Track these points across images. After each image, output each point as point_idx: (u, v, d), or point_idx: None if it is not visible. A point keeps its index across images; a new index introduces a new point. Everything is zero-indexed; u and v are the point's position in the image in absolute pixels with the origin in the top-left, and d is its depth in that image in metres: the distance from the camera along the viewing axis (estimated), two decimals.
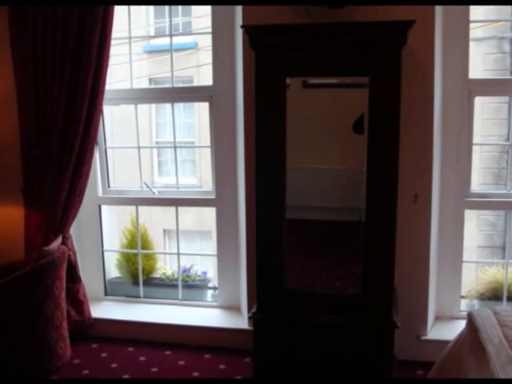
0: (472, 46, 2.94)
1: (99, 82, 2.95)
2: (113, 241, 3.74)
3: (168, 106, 3.74)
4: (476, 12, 3.58)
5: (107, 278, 3.62)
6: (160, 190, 3.53)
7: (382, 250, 2.41)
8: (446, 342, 2.51)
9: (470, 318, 2.27)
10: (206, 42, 4.19)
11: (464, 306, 3.18)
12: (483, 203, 3.07)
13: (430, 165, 2.77)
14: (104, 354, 3.09)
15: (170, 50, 3.36)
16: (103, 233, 3.54)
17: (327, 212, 2.68)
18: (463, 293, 3.18)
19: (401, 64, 2.27)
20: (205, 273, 3.75)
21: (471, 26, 2.85)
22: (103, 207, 3.53)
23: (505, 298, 3.09)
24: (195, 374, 2.86)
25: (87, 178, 3.12)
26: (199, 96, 3.39)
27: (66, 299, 3.04)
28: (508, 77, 5.14)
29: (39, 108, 3.04)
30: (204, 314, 3.35)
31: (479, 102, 3.38)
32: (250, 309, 2.69)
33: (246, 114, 2.84)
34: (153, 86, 6.18)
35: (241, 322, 3.19)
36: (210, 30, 3.14)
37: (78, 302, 3.21)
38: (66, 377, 2.83)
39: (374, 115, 2.33)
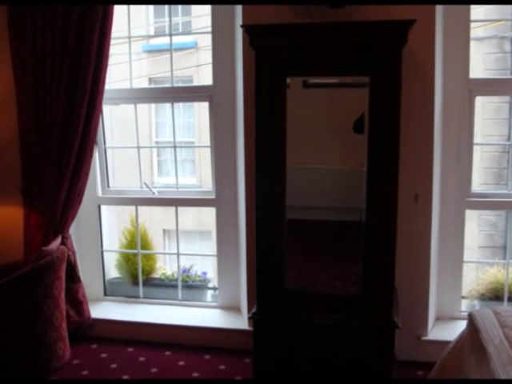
0: (473, 45, 2.94)
1: (99, 81, 2.95)
2: (112, 241, 3.73)
3: (168, 105, 3.74)
4: (477, 11, 3.58)
5: (107, 278, 3.62)
6: (160, 190, 3.52)
7: (383, 250, 2.41)
8: (446, 343, 2.50)
9: (471, 319, 2.27)
10: (206, 41, 4.19)
11: (465, 306, 3.17)
12: (484, 203, 3.07)
13: (430, 165, 2.76)
14: (103, 355, 3.08)
15: (170, 49, 3.35)
16: (103, 233, 3.54)
17: (327, 212, 2.68)
18: (464, 293, 3.18)
19: (401, 64, 2.26)
20: (205, 273, 3.74)
21: (472, 25, 2.85)
22: (103, 207, 3.52)
23: (505, 299, 3.09)
24: (195, 375, 2.85)
25: (87, 178, 3.11)
26: (199, 96, 3.38)
27: (66, 299, 3.04)
28: (509, 76, 5.12)
29: (38, 107, 3.03)
30: (204, 315, 3.34)
31: (480, 101, 3.37)
32: (250, 309, 2.69)
33: (246, 114, 2.84)
34: (152, 86, 6.18)
35: (241, 322, 3.18)
36: (209, 29, 3.14)
37: (77, 302, 3.20)
38: (66, 377, 2.83)
39: (375, 115, 2.32)
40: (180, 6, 6.50)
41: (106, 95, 3.05)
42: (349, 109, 2.56)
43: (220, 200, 3.28)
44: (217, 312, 3.38)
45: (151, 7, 6.71)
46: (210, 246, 5.66)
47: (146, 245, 3.81)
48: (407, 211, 2.74)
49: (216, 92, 3.16)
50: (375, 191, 2.37)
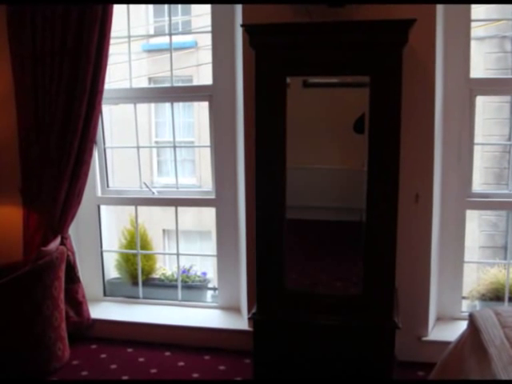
0: (473, 45, 2.94)
1: (98, 81, 2.94)
2: (112, 241, 3.72)
3: (167, 105, 3.74)
4: (477, 11, 3.58)
5: (106, 278, 3.61)
6: (159, 190, 3.52)
7: (383, 251, 2.40)
8: (447, 343, 2.50)
9: (472, 319, 2.26)
10: (206, 41, 4.19)
11: (465, 306, 3.16)
12: (485, 203, 3.06)
13: (431, 165, 2.76)
14: (103, 355, 3.08)
15: (170, 49, 3.35)
16: (102, 233, 3.53)
17: (327, 212, 2.67)
18: (464, 293, 3.17)
19: (402, 63, 2.26)
20: (204, 273, 3.73)
21: (472, 24, 2.84)
22: (102, 207, 3.52)
23: (506, 299, 3.08)
24: (195, 375, 2.85)
25: (86, 178, 3.11)
26: (199, 95, 3.37)
27: (65, 300, 3.03)
28: (509, 76, 5.12)
29: (38, 107, 3.03)
30: (204, 315, 3.33)
31: (480, 101, 3.36)
32: (250, 309, 2.68)
33: (246, 114, 2.83)
34: (152, 86, 6.17)
35: (241, 322, 3.17)
36: (209, 28, 3.13)
37: (76, 302, 3.19)
38: (65, 378, 2.82)
39: (375, 115, 2.32)
40: (180, 6, 6.50)
41: (105, 95, 3.05)
42: (349, 108, 2.55)
43: (220, 200, 3.27)
44: (217, 312, 3.37)
45: (151, 6, 6.71)
46: (210, 246, 5.66)
47: (145, 245, 3.80)
48: (408, 211, 2.74)
49: (216, 92, 3.15)
50: (375, 191, 2.37)
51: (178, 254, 3.56)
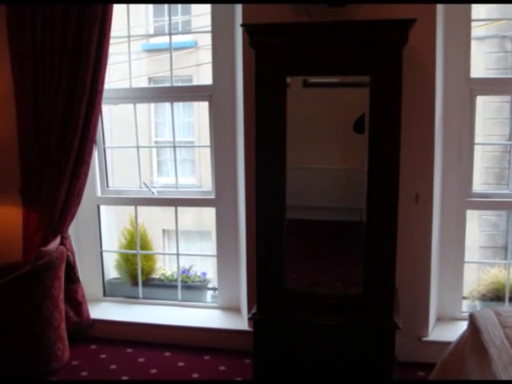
0: (474, 44, 2.94)
1: (98, 81, 2.93)
2: (112, 241, 3.72)
3: (167, 105, 3.73)
4: (478, 10, 3.58)
5: (106, 278, 3.61)
6: (159, 190, 3.51)
7: (383, 251, 2.40)
8: (447, 344, 2.49)
9: (472, 319, 2.26)
10: (206, 40, 4.18)
11: (466, 306, 3.16)
12: (485, 203, 3.05)
13: (431, 164, 2.75)
14: (103, 356, 3.07)
15: (170, 48, 3.34)
16: (102, 233, 3.53)
17: (327, 212, 2.67)
18: (465, 293, 3.17)
19: (402, 63, 2.25)
20: (204, 273, 3.73)
21: (473, 24, 2.84)
22: (102, 207, 3.51)
23: (507, 299, 3.08)
24: (195, 376, 2.84)
25: (86, 178, 3.10)
26: (199, 95, 3.37)
27: (65, 300, 3.02)
28: (510, 76, 5.11)
29: (37, 107, 3.02)
30: (204, 315, 3.33)
31: (481, 101, 3.36)
32: (250, 310, 2.67)
33: (246, 114, 2.83)
34: (152, 85, 6.17)
35: (241, 323, 3.17)
36: (209, 28, 3.13)
37: (76, 302, 3.19)
38: (65, 378, 2.82)
39: (375, 114, 2.31)
40: (180, 5, 6.49)
41: (105, 95, 3.04)
42: (349, 108, 2.55)
43: (220, 200, 3.27)
44: (216, 312, 3.36)
45: (151, 6, 6.71)
46: (210, 247, 5.66)
47: (145, 245, 3.80)
48: (408, 211, 2.73)
49: (216, 91, 3.14)
50: (376, 191, 2.36)
51: (177, 254, 3.55)
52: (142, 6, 6.57)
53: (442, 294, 3.01)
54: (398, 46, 2.24)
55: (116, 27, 3.10)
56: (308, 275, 2.67)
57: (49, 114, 3.00)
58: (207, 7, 3.15)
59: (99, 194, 3.46)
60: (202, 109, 5.71)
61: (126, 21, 3.31)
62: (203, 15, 4.72)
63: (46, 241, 3.03)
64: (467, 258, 3.08)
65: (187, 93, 3.43)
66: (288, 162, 2.42)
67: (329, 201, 2.65)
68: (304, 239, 2.70)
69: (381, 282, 2.41)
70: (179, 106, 6.42)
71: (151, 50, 6.63)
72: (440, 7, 2.66)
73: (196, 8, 6.23)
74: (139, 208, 3.55)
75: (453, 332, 2.77)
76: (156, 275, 3.76)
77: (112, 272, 3.71)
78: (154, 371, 2.89)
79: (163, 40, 6.10)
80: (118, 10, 3.07)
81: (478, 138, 3.07)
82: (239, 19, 2.82)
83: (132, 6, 3.32)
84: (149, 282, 3.69)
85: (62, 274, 2.94)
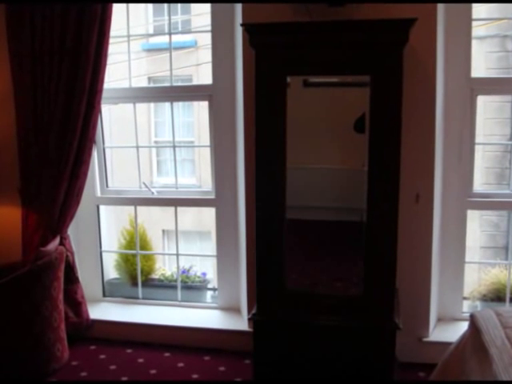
0: (474, 44, 2.93)
1: (97, 80, 2.93)
2: (111, 241, 3.72)
3: (167, 104, 3.73)
4: (478, 10, 3.57)
5: (105, 278, 3.60)
6: (159, 190, 3.50)
7: (384, 251, 2.39)
8: (448, 344, 2.49)
9: (473, 320, 2.26)
10: (206, 40, 4.17)
11: (466, 307, 3.15)
12: (486, 203, 3.05)
13: (431, 164, 2.74)
14: (102, 356, 3.06)
15: (169, 48, 3.34)
16: (101, 233, 3.52)
17: (328, 212, 2.66)
18: (465, 294, 3.16)
19: (402, 62, 2.25)
20: (204, 274, 3.72)
21: (474, 24, 2.83)
22: (101, 207, 3.50)
23: (507, 300, 3.07)
24: (194, 376, 2.84)
25: (85, 178, 3.09)
26: (198, 95, 3.37)
27: (64, 300, 3.01)
28: (511, 75, 5.12)
29: (37, 107, 3.01)
30: (203, 316, 3.32)
31: (481, 100, 3.36)
32: (250, 310, 2.67)
33: (246, 113, 2.82)
34: (152, 85, 6.16)
35: (241, 323, 3.16)
36: (209, 28, 3.12)
37: (75, 303, 3.18)
38: (64, 379, 2.81)
39: (376, 114, 2.31)
40: (179, 5, 6.48)
41: (104, 94, 3.04)
42: (349, 108, 2.54)
43: (220, 200, 3.26)
44: (216, 313, 3.36)
45: (150, 6, 6.70)
46: (210, 247, 5.65)
47: (145, 245, 3.79)
48: (408, 211, 2.72)
49: (216, 91, 3.14)
50: (376, 191, 2.36)
51: (177, 255, 3.55)
52: (142, 6, 6.57)
53: (442, 294, 3.01)
54: (398, 46, 2.24)
55: (115, 27, 3.09)
56: (308, 275, 2.66)
57: (48, 114, 2.99)
58: (207, 7, 3.14)
59: (99, 193, 3.45)
60: (201, 108, 5.71)
61: (126, 20, 3.30)
62: (203, 15, 4.70)
63: (45, 241, 3.02)
64: (468, 258, 3.07)
65: (187, 92, 3.42)
66: (288, 161, 2.42)
67: (329, 201, 2.65)
68: (304, 239, 2.69)
69: (381, 282, 2.40)
70: (179, 105, 6.42)
71: (151, 50, 6.63)
72: (440, 7, 2.65)
73: (196, 7, 6.23)
74: (139, 208, 3.55)
75: (453, 332, 2.77)
76: (156, 275, 3.76)
77: (111, 272, 3.70)
78: (153, 372, 2.88)
79: (163, 39, 6.10)
80: (118, 9, 3.06)
81: (478, 138, 3.06)
82: (239, 19, 2.81)
83: (132, 5, 3.32)
84: (148, 283, 3.68)
85: (62, 275, 2.94)
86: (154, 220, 5.53)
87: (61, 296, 2.93)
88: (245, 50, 2.76)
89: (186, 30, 6.58)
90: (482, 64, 5.16)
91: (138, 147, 3.49)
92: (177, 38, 6.10)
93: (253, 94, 2.41)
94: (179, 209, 3.51)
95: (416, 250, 2.82)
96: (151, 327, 3.22)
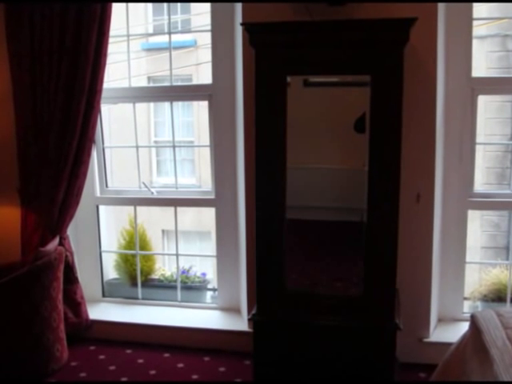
0: (475, 43, 2.93)
1: (97, 80, 2.92)
2: (111, 241, 3.71)
3: (167, 104, 3.72)
4: (479, 9, 3.56)
5: (105, 279, 3.59)
6: (159, 190, 3.50)
7: (384, 251, 2.39)
8: (448, 345, 2.48)
9: (473, 320, 2.25)
10: (206, 39, 4.18)
11: (467, 307, 3.15)
12: (486, 203, 3.04)
13: (432, 164, 2.74)
14: (102, 357, 3.06)
15: (169, 47, 3.33)
16: (101, 233, 3.51)
17: (328, 212, 2.66)
18: (466, 294, 3.15)
19: (403, 62, 2.24)
20: (204, 274, 3.71)
21: (474, 23, 2.82)
22: (101, 207, 3.50)
23: (508, 300, 3.06)
24: (194, 377, 2.83)
25: (85, 178, 3.09)
26: (198, 95, 3.36)
27: (64, 301, 3.01)
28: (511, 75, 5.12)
29: (36, 106, 3.01)
30: (203, 316, 3.32)
31: (482, 100, 3.36)
32: (250, 310, 2.66)
33: (246, 113, 2.81)
34: (151, 85, 6.16)
35: (241, 323, 3.16)
36: (209, 27, 3.11)
37: (75, 303, 3.18)
38: (63, 379, 2.81)
39: (376, 114, 2.30)
40: (179, 4, 6.48)
41: (104, 94, 3.03)
42: (350, 108, 2.54)
43: (219, 200, 3.25)
44: (216, 313, 3.35)
45: (150, 5, 6.70)
46: (210, 247, 5.65)
47: (144, 245, 3.78)
48: (409, 211, 2.72)
49: (215, 91, 3.13)
50: (376, 191, 2.35)
51: (177, 255, 3.54)
52: (142, 5, 6.56)
53: (443, 294, 3.00)
54: (398, 45, 2.23)
55: (115, 26, 3.08)
56: (308, 275, 2.66)
57: (47, 114, 2.98)
58: (207, 6, 3.13)
59: (98, 193, 3.45)
60: (201, 108, 5.70)
61: (125, 20, 3.30)
62: (203, 14, 4.70)
63: (44, 241, 3.02)
64: (469, 258, 3.06)
65: (187, 92, 3.42)
66: (288, 161, 2.41)
67: (329, 201, 2.64)
68: (304, 239, 2.69)
69: (381, 282, 2.40)
70: (179, 105, 6.42)
71: (150, 49, 6.63)
72: (441, 6, 2.65)
73: (196, 7, 6.22)
74: (138, 208, 3.54)
75: (454, 333, 2.76)
76: (155, 276, 3.75)
77: (111, 272, 3.69)
78: (153, 372, 2.88)
79: (163, 39, 6.10)
80: (117, 8, 3.05)
81: (479, 138, 3.06)
82: (239, 18, 2.81)
83: (131, 4, 3.31)
84: (148, 283, 3.67)
85: (61, 275, 2.93)
86: (153, 220, 5.52)
87: (60, 296, 2.92)
88: (245, 49, 2.75)
89: (186, 30, 6.58)
90: (482, 63, 5.16)
91: (137, 147, 3.48)
92: (176, 38, 6.10)
93: (253, 93, 2.40)
94: (179, 209, 3.50)
95: (416, 250, 2.81)
96: (151, 328, 3.22)
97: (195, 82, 6.42)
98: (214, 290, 3.62)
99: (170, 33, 3.35)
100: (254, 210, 2.48)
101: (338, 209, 2.65)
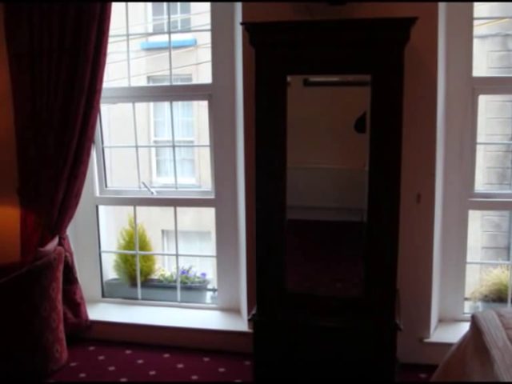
0: (476, 43, 2.93)
1: (96, 79, 2.91)
2: (110, 242, 3.70)
3: (166, 104, 3.72)
4: (480, 9, 3.54)
5: (104, 279, 3.59)
6: (158, 190, 3.49)
7: (384, 251, 2.38)
8: (449, 345, 2.48)
9: (474, 321, 2.25)
10: (206, 39, 4.17)
11: (468, 308, 3.14)
12: (487, 203, 3.04)
13: (433, 164, 2.73)
14: (101, 357, 3.05)
15: (169, 47, 3.33)
16: (100, 233, 3.51)
17: (328, 212, 2.65)
18: (467, 294, 3.15)
19: (403, 61, 2.24)
20: (204, 274, 3.71)
21: (475, 23, 2.82)
22: (100, 207, 3.49)
23: (509, 300, 3.06)
24: (194, 378, 2.82)
25: (84, 178, 3.08)
26: (198, 94, 3.35)
27: (63, 301, 3.01)
28: None
29: (35, 106, 3.00)
30: (203, 316, 3.31)
31: (483, 100, 3.36)
32: (249, 311, 2.66)
33: (246, 113, 2.81)
34: (151, 84, 6.16)
35: (240, 324, 3.15)
36: (209, 27, 3.11)
37: (74, 303, 3.17)
38: (63, 380, 2.80)
39: (376, 113, 2.30)
40: (179, 4, 6.48)
41: (103, 94, 3.02)
42: (350, 107, 2.53)
43: (219, 200, 3.24)
44: (216, 314, 3.35)
45: (150, 4, 6.70)
46: (210, 247, 5.64)
47: (144, 246, 3.77)
48: (409, 211, 2.71)
49: (215, 90, 3.12)
50: (377, 191, 2.35)
51: (177, 255, 3.53)
52: (141, 5, 6.56)
53: (443, 294, 2.99)
54: (399, 45, 2.22)
55: (115, 25, 3.07)
56: (308, 276, 2.65)
57: (47, 114, 2.98)
58: (207, 5, 3.13)
59: (98, 194, 3.44)
60: (201, 108, 5.70)
61: (125, 19, 3.29)
62: (203, 13, 4.69)
63: (43, 241, 3.01)
64: (469, 258, 3.06)
65: (186, 92, 3.41)
66: (288, 161, 2.41)
67: (329, 201, 2.64)
68: (304, 239, 2.68)
69: (382, 282, 2.39)
70: (178, 105, 6.42)
71: (150, 49, 6.62)
72: (442, 5, 2.64)
73: (195, 6, 6.22)
74: (138, 208, 3.53)
75: (455, 333, 2.76)
76: (155, 276, 3.74)
77: (110, 273, 3.69)
78: (152, 373, 2.87)
79: (162, 38, 6.10)
80: (117, 8, 3.04)
81: (480, 138, 3.06)
82: (239, 17, 2.80)
83: (131, 4, 3.31)
84: (148, 283, 3.66)
85: (60, 275, 2.92)
86: (153, 220, 5.52)
87: (59, 296, 2.92)
88: (245, 49, 2.75)
89: (186, 29, 6.58)
90: (483, 63, 5.16)
91: (137, 147, 3.48)
92: (176, 37, 6.10)
93: (253, 93, 2.40)
94: (179, 209, 3.49)
95: (417, 251, 2.80)
96: (150, 328, 3.21)
97: (195, 81, 6.42)
98: (213, 290, 3.62)
99: (169, 32, 3.34)
100: (254, 210, 2.48)
101: (338, 209, 2.64)
